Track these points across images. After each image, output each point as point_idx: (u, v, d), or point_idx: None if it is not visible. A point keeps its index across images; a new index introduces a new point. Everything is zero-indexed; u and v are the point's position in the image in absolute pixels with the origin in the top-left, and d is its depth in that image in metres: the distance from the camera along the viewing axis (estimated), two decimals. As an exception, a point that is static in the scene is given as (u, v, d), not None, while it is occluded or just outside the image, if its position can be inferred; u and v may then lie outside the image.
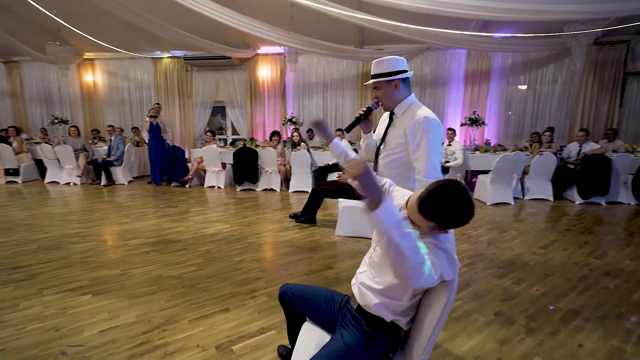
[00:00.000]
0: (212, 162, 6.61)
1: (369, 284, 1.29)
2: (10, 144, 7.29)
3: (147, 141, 7.02)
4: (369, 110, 1.97)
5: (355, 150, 6.31)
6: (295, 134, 6.41)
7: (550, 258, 3.40)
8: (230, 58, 8.71)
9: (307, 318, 1.60)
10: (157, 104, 7.06)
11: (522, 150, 6.37)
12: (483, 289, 2.77)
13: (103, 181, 6.97)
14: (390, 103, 1.91)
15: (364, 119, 2.00)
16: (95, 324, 2.25)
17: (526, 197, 5.85)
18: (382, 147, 2.01)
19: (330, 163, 6.55)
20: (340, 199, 3.97)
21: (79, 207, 5.29)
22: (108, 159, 6.99)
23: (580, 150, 5.94)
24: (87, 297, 2.60)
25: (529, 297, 2.64)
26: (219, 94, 9.59)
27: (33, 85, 10.14)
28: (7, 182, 7.20)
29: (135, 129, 8.52)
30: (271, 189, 6.49)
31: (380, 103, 1.94)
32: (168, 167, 6.78)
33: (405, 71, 1.87)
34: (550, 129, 6.64)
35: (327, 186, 4.06)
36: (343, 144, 5.59)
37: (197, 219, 4.67)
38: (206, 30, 7.47)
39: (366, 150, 2.15)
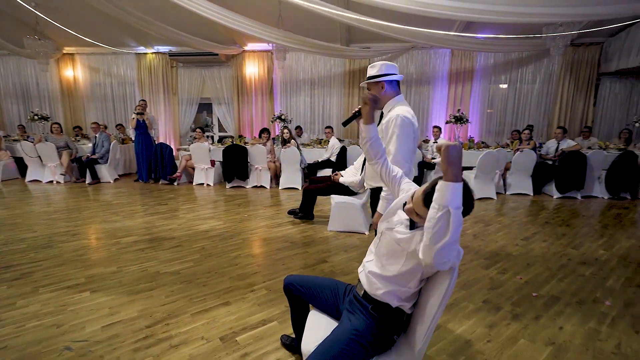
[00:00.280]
0: (202, 159, 6.58)
1: (377, 271, 1.38)
2: (-14, 141, 7.05)
3: (133, 138, 6.92)
4: (359, 110, 2.10)
5: (345, 148, 6.43)
6: (285, 131, 6.46)
7: (531, 249, 3.60)
8: (216, 54, 8.63)
9: (312, 307, 1.68)
10: (142, 100, 6.96)
11: (503, 147, 6.63)
12: (471, 278, 2.92)
13: (88, 179, 6.83)
14: (377, 103, 2.06)
15: (359, 116, 2.09)
16: (97, 320, 2.27)
17: (508, 192, 6.11)
18: None
19: (319, 160, 6.63)
20: (332, 195, 4.06)
21: (66, 206, 5.19)
22: (92, 156, 6.85)
23: (558, 147, 6.23)
24: (85, 294, 2.60)
25: (514, 286, 2.81)
26: (205, 90, 9.50)
27: (9, 80, 9.76)
28: (-15, 180, 6.96)
29: (120, 126, 8.36)
30: (261, 186, 6.52)
31: None
32: (155, 164, 6.70)
33: (393, 75, 2.13)
34: (530, 127, 6.93)
35: (318, 183, 4.13)
36: (332, 141, 5.68)
37: (188, 216, 4.67)
38: (192, 26, 7.39)
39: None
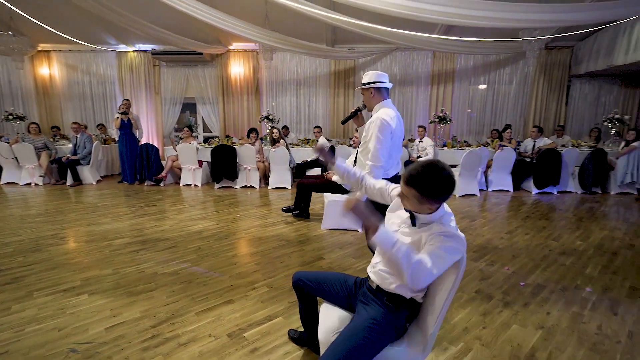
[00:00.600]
0: (189, 159, 6.51)
1: (388, 269, 1.45)
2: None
3: (116, 139, 6.75)
4: (358, 109, 2.73)
5: (333, 148, 6.51)
6: (274, 130, 6.48)
7: (515, 242, 3.81)
8: (201, 54, 8.54)
9: (324, 300, 1.75)
10: (126, 99, 6.80)
11: (484, 146, 6.91)
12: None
13: (69, 181, 6.62)
14: (368, 105, 2.58)
15: (354, 116, 2.72)
16: (100, 322, 2.26)
17: (490, 189, 6.38)
18: (362, 139, 2.61)
19: (308, 160, 6.69)
20: (325, 194, 4.13)
21: (49, 209, 5.02)
22: (73, 157, 6.63)
23: (534, 145, 6.55)
24: (83, 297, 2.57)
25: (502, 276, 2.98)
26: (190, 90, 9.36)
27: (-22, 78, 9.28)
28: (-44, 184, 6.62)
29: (101, 126, 8.12)
30: (250, 186, 6.52)
31: (365, 105, 2.62)
32: (141, 165, 6.57)
33: (381, 82, 2.47)
34: (508, 126, 7.24)
35: (313, 179, 4.19)
36: (321, 140, 5.78)
37: (180, 217, 4.63)
38: (176, 25, 7.28)
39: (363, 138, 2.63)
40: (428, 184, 1.27)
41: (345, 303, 1.66)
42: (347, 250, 3.54)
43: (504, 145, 6.31)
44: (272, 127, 6.68)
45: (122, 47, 8.99)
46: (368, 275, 1.59)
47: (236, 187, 6.53)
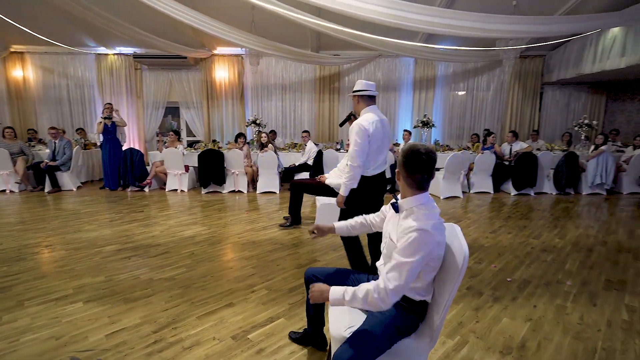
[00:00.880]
0: (175, 164, 6.42)
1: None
2: None
3: (98, 144, 6.58)
4: (351, 114, 3.06)
5: (320, 152, 6.58)
6: (263, 135, 6.49)
7: (499, 240, 3.99)
8: (185, 58, 8.46)
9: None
10: (109, 104, 6.63)
11: (466, 150, 7.18)
12: (453, 269, 3.20)
13: (47, 187, 6.37)
14: (356, 111, 2.84)
15: (348, 120, 3.04)
16: (98, 329, 2.22)
17: (472, 191, 6.63)
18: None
19: (296, 164, 6.74)
20: (318, 197, 4.19)
21: (29, 216, 4.83)
22: (52, 163, 6.40)
23: (511, 149, 6.87)
24: (77, 305, 2.51)
25: (490, 273, 3.13)
26: (173, 94, 9.24)
27: (-55, 80, 8.81)
28: None
29: (81, 130, 7.86)
30: (238, 191, 6.49)
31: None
32: (125, 170, 6.42)
33: (365, 91, 2.72)
34: (491, 132, 7.55)
35: (306, 180, 4.24)
36: (309, 145, 5.86)
37: (169, 222, 4.57)
38: (159, 28, 7.20)
39: None
40: (407, 151, 1.46)
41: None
42: (341, 252, 3.60)
43: (487, 148, 6.59)
44: (259, 132, 6.69)
45: (102, 50, 8.78)
46: (378, 269, 1.67)
47: (224, 192, 6.48)
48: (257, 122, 7.51)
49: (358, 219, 1.93)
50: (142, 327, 2.25)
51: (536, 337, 2.19)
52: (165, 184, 6.64)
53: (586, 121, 7.61)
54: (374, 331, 1.43)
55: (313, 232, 1.95)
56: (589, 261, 3.42)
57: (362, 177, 2.72)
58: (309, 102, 9.27)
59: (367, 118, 2.66)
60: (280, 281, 2.92)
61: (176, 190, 6.54)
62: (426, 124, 7.60)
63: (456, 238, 1.52)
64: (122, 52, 8.84)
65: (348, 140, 3.00)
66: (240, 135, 6.64)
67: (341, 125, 3.23)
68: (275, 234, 4.17)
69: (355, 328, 1.48)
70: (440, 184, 6.13)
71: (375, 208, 2.85)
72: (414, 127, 8.20)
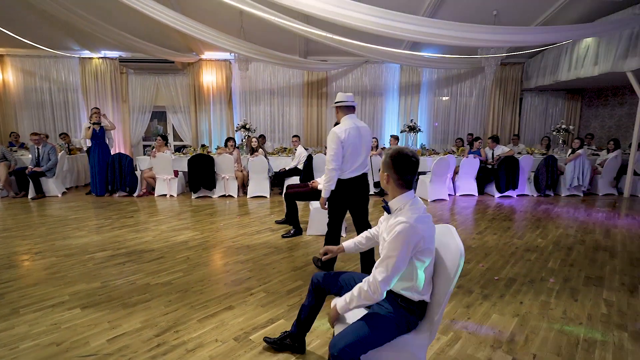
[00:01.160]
0: (164, 169, 6.38)
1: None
2: None
3: (85, 149, 6.47)
4: (336, 123, 3.12)
5: (310, 156, 6.66)
6: (253, 140, 6.53)
7: (486, 241, 4.16)
8: (172, 62, 8.42)
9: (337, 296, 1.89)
10: (96, 108, 6.54)
11: (451, 153, 7.40)
12: (443, 269, 3.33)
13: (31, 194, 6.22)
14: (337, 120, 3.07)
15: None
16: (99, 334, 2.23)
17: (457, 193, 6.84)
18: None
19: (286, 168, 6.80)
20: (312, 202, 4.27)
21: (14, 223, 4.72)
22: (35, 169, 6.24)
23: (493, 153, 7.13)
24: (75, 311, 2.50)
25: (478, 272, 3.27)
26: (160, 98, 9.16)
27: None
28: None
29: (65, 135, 7.69)
30: (229, 195, 6.50)
31: None
32: (113, 176, 6.33)
33: (343, 102, 2.96)
34: (472, 135, 7.81)
35: (299, 188, 4.31)
36: (299, 149, 5.93)
37: (161, 227, 4.55)
38: (145, 32, 7.17)
39: None
40: (390, 151, 1.61)
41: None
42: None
43: (474, 152, 6.84)
44: (248, 137, 6.72)
45: (86, 53, 8.64)
46: None
47: (214, 196, 6.48)
48: (247, 126, 7.53)
49: (363, 235, 2.01)
50: (143, 331, 2.27)
51: (524, 331, 2.33)
52: (154, 189, 6.58)
53: (563, 126, 7.98)
54: (372, 324, 1.52)
55: (325, 254, 2.01)
56: (569, 259, 3.61)
57: (340, 180, 2.94)
58: (297, 107, 9.36)
59: (342, 125, 2.92)
60: (277, 284, 2.98)
61: (165, 195, 6.49)
62: (412, 128, 7.79)
63: (452, 238, 1.64)
64: (107, 56, 8.73)
65: None
66: (230, 139, 6.66)
67: None
68: (269, 237, 4.22)
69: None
70: (427, 187, 6.31)
71: (358, 208, 3.10)
72: (401, 131, 8.39)
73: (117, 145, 8.93)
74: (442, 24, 5.50)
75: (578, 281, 3.10)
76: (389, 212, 1.65)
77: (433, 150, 8.20)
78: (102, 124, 6.35)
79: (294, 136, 6.90)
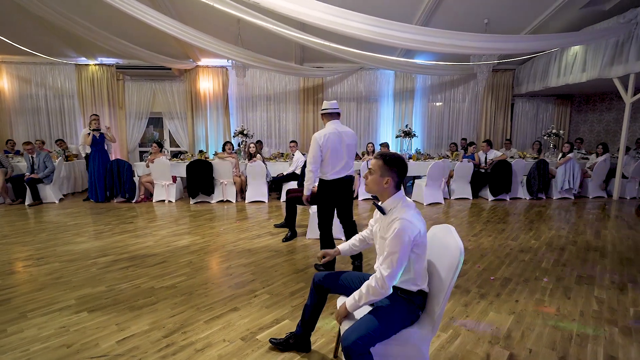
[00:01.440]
0: (162, 175, 6.41)
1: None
2: None
3: (83, 155, 6.48)
4: None
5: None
6: (251, 145, 6.61)
7: (481, 243, 4.27)
8: (169, 69, 8.49)
9: (340, 295, 1.97)
10: (95, 115, 6.56)
11: (445, 158, 7.55)
12: (441, 269, 3.42)
13: (28, 200, 6.20)
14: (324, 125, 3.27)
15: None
16: (109, 336, 2.27)
17: (452, 197, 6.97)
18: None
19: (284, 173, 6.88)
20: (312, 206, 4.34)
21: (13, 230, 4.71)
22: (33, 176, 6.23)
23: (486, 157, 7.29)
24: (83, 314, 2.54)
25: (475, 272, 3.37)
26: (156, 104, 9.19)
27: None
28: None
29: (61, 141, 7.68)
30: (227, 201, 6.55)
31: None
32: (111, 182, 6.34)
33: (327, 109, 3.20)
34: (465, 140, 7.98)
35: (299, 193, 4.38)
36: (297, 155, 6.03)
37: (162, 233, 4.59)
38: (142, 39, 7.23)
39: None
40: (389, 156, 1.73)
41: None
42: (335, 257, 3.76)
43: (469, 156, 7.00)
44: (245, 142, 6.79)
45: (83, 60, 8.67)
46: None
47: (212, 201, 6.52)
48: (245, 132, 7.61)
49: (356, 237, 2.11)
50: (151, 332, 2.32)
51: (520, 328, 2.42)
52: (152, 194, 6.60)
53: (554, 131, 8.18)
54: (379, 317, 1.61)
55: (323, 257, 2.08)
56: (562, 259, 3.73)
57: (323, 180, 3.20)
58: (293, 112, 9.47)
59: (323, 131, 3.15)
60: (280, 286, 3.04)
61: (164, 200, 6.52)
62: (408, 133, 7.93)
63: (451, 237, 1.73)
64: (103, 63, 8.76)
65: None
66: (227, 143, 6.72)
67: None
68: (270, 241, 4.28)
69: (363, 319, 1.66)
70: (423, 191, 6.43)
71: (342, 208, 3.29)
72: (396, 136, 8.54)
73: (114, 151, 8.92)
74: (435, 32, 5.66)
75: (570, 280, 3.22)
76: (383, 212, 1.75)
77: (428, 154, 8.34)
78: (101, 131, 6.37)
79: (292, 141, 6.99)
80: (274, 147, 9.44)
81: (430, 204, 6.41)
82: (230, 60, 7.37)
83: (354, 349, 1.49)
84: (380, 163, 1.73)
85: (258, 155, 6.51)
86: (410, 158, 7.75)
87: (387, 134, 9.51)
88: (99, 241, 4.22)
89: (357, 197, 6.89)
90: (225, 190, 6.50)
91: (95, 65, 8.77)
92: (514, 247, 4.13)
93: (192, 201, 6.43)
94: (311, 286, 2.04)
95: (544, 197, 7.11)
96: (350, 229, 3.39)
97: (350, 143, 3.21)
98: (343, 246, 2.13)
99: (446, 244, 1.73)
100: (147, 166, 6.52)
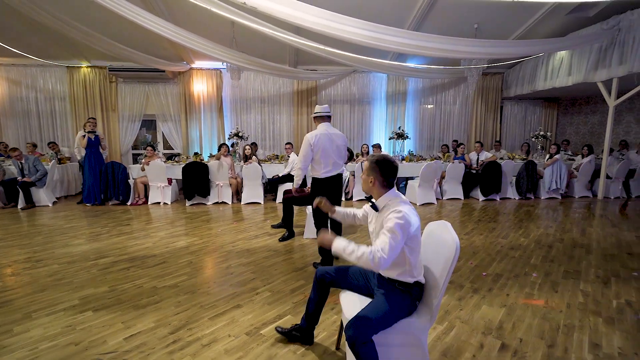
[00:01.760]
0: (158, 177, 6.43)
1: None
2: None
3: (79, 158, 6.46)
4: None
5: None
6: (247, 147, 6.67)
7: (473, 241, 4.42)
8: (163, 71, 8.50)
9: (342, 289, 2.07)
10: (92, 118, 6.56)
11: (437, 159, 7.72)
12: (435, 266, 3.54)
13: (20, 204, 6.15)
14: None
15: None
16: (115, 334, 2.32)
17: (444, 197, 7.13)
18: None
19: (279, 175, 6.95)
20: (308, 206, 4.43)
21: (8, 233, 4.69)
22: (25, 179, 6.18)
23: (478, 158, 7.49)
24: (87, 313, 2.58)
25: (468, 269, 3.50)
26: (150, 107, 9.18)
27: None
28: None
29: (53, 144, 7.62)
30: (223, 202, 6.59)
31: None
32: (106, 184, 6.33)
33: (318, 112, 3.46)
34: (456, 142, 8.16)
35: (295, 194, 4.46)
36: (292, 156, 6.17)
37: (160, 234, 4.62)
38: (135, 41, 7.24)
39: None
40: (374, 157, 1.88)
41: (366, 290, 1.99)
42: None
43: (459, 157, 7.17)
44: (237, 144, 6.84)
45: (74, 62, 8.62)
46: None
47: (208, 203, 6.56)
48: (240, 134, 7.66)
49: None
50: (157, 329, 2.37)
51: (511, 320, 2.55)
52: (147, 196, 6.61)
53: (542, 133, 8.43)
54: (379, 309, 1.72)
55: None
56: (549, 256, 3.89)
57: (316, 179, 3.47)
58: (287, 114, 9.55)
59: (314, 132, 3.41)
60: (281, 283, 3.12)
61: (159, 203, 6.53)
62: (401, 135, 8.09)
63: (448, 232, 1.84)
64: (96, 65, 8.73)
65: None
66: (223, 145, 6.78)
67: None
68: (268, 242, 4.35)
69: (364, 312, 1.75)
70: (416, 192, 6.57)
71: (333, 202, 3.33)
72: (389, 138, 8.69)
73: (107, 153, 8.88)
74: (426, 36, 5.82)
75: (558, 275, 3.37)
76: (377, 210, 1.87)
77: (420, 156, 8.51)
78: (96, 133, 6.37)
79: (287, 143, 7.07)
80: (269, 149, 9.51)
81: (423, 204, 6.56)
82: (224, 63, 7.43)
83: (358, 336, 1.59)
84: (367, 163, 1.91)
85: (253, 157, 6.57)
86: (403, 159, 7.90)
87: (380, 136, 9.65)
88: (97, 243, 4.24)
89: (351, 197, 7.01)
90: (221, 192, 6.55)
91: (87, 67, 8.73)
92: (504, 244, 4.28)
93: (188, 203, 6.46)
94: (314, 280, 2.13)
95: (533, 197, 7.32)
96: (336, 224, 3.69)
97: (340, 144, 3.48)
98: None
99: (443, 238, 1.85)
100: (143, 169, 6.53)
